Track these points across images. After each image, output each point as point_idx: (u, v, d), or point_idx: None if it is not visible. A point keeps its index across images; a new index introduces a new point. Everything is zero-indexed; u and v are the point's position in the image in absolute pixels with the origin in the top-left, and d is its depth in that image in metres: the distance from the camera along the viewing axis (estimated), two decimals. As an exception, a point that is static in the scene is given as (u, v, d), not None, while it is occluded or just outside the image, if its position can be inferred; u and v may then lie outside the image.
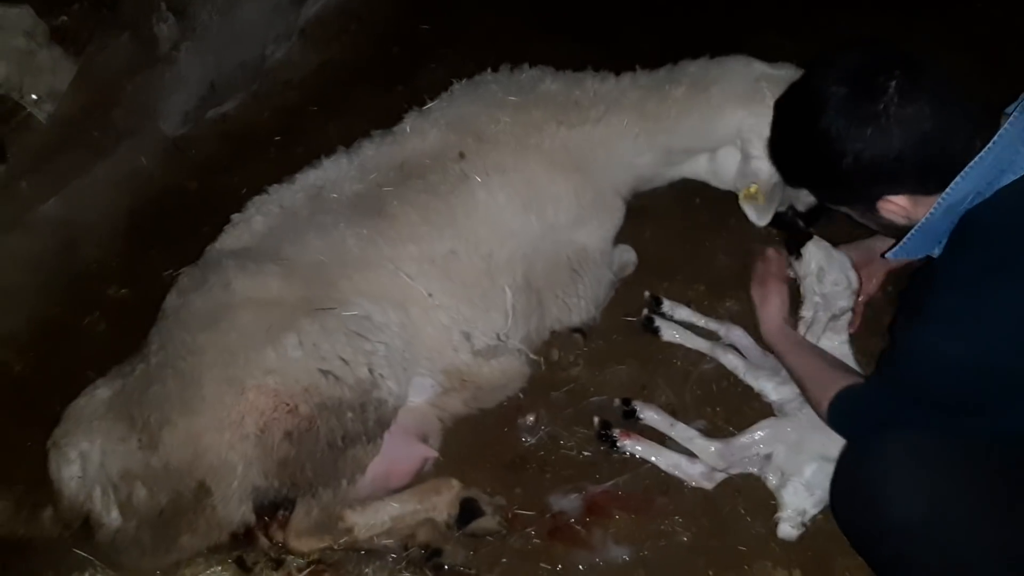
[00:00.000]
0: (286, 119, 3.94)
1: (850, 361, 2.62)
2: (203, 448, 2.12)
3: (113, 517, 2.16)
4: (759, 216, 2.70)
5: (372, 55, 4.32)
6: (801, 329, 2.66)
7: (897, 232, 2.12)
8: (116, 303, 3.16)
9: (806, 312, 2.67)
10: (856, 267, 2.67)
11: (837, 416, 2.27)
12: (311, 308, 2.25)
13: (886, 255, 2.22)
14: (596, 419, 2.66)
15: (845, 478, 2.18)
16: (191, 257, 2.66)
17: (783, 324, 2.60)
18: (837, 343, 2.63)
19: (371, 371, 2.23)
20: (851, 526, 2.20)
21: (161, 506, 2.13)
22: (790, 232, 2.88)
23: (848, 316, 2.67)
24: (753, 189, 2.58)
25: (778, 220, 2.90)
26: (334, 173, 2.56)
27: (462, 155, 2.55)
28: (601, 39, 4.28)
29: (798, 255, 2.73)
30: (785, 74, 2.55)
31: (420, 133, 2.62)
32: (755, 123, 2.57)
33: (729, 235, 3.17)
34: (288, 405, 2.17)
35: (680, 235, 3.26)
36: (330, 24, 4.42)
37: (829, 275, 2.66)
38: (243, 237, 2.45)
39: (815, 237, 2.71)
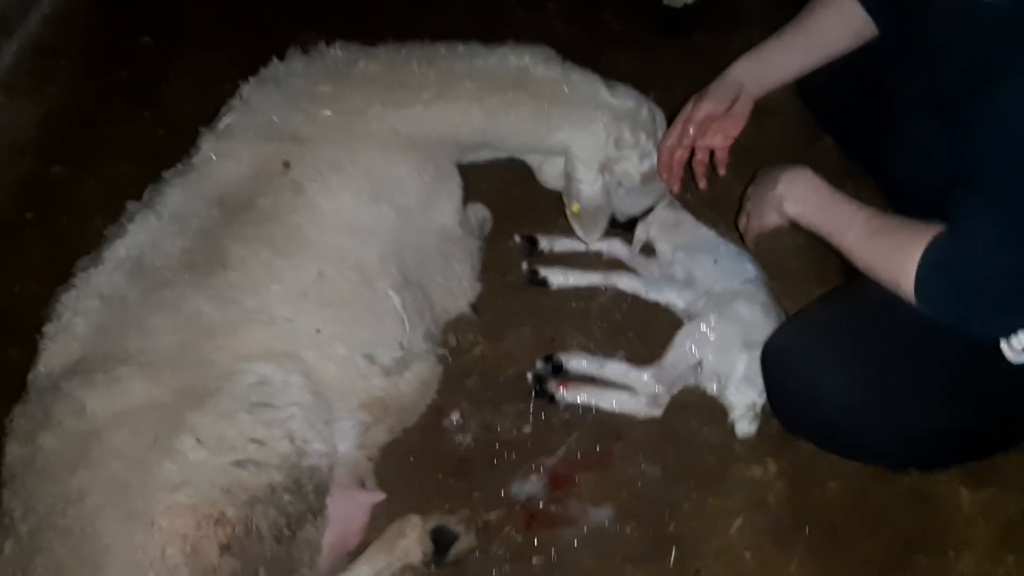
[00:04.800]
0: (29, 190, 3.32)
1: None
2: (129, 604, 1.74)
3: None
4: (586, 234, 2.63)
5: (99, 88, 3.72)
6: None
7: None
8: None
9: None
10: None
11: (934, 283, 1.81)
12: (194, 397, 1.88)
13: None
14: (529, 375, 2.51)
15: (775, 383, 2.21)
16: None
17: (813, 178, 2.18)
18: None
19: (292, 440, 1.91)
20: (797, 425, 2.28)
21: None
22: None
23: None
24: (575, 208, 2.53)
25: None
26: (146, 235, 2.13)
27: (287, 165, 2.21)
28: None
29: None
30: (624, 107, 2.47)
31: (228, 156, 2.23)
32: (582, 149, 2.46)
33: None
34: (212, 515, 1.81)
35: (516, 175, 3.10)
36: (33, 68, 3.76)
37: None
38: (70, 347, 1.99)
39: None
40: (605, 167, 2.46)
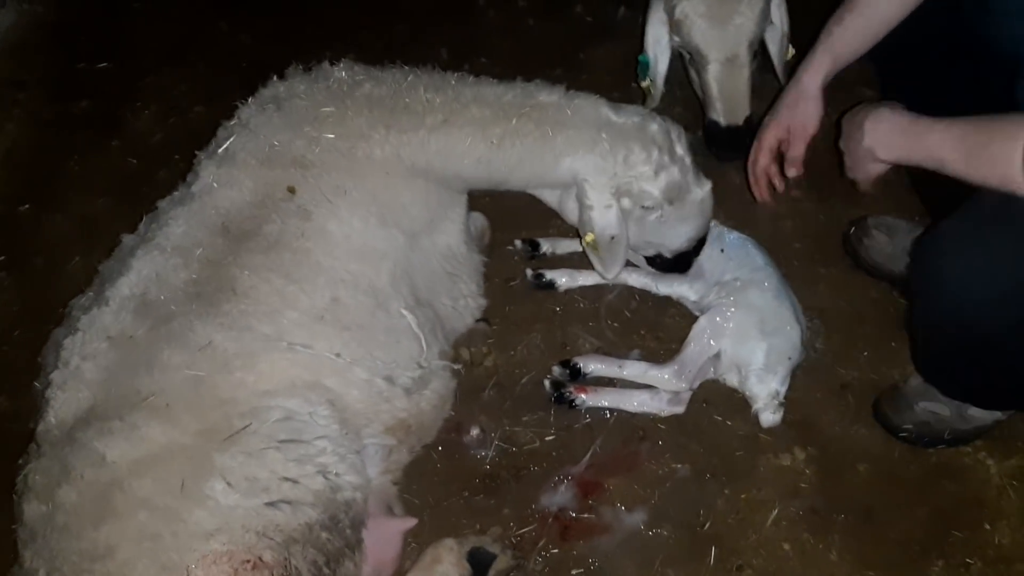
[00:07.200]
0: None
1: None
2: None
3: None
4: (604, 268, 2.45)
5: (61, 120, 3.58)
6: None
7: None
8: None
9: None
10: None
11: None
12: (218, 439, 1.80)
13: None
14: (546, 383, 2.47)
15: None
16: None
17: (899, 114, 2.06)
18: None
19: (325, 476, 1.84)
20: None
21: None
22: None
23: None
24: (590, 238, 2.37)
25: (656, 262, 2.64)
26: (149, 269, 2.03)
27: (292, 190, 2.13)
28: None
29: None
30: (629, 123, 2.29)
31: (230, 183, 2.13)
32: (590, 172, 2.28)
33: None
34: (250, 560, 1.74)
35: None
36: (-10, 106, 3.62)
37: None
38: (80, 396, 1.89)
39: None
40: (620, 192, 2.29)
